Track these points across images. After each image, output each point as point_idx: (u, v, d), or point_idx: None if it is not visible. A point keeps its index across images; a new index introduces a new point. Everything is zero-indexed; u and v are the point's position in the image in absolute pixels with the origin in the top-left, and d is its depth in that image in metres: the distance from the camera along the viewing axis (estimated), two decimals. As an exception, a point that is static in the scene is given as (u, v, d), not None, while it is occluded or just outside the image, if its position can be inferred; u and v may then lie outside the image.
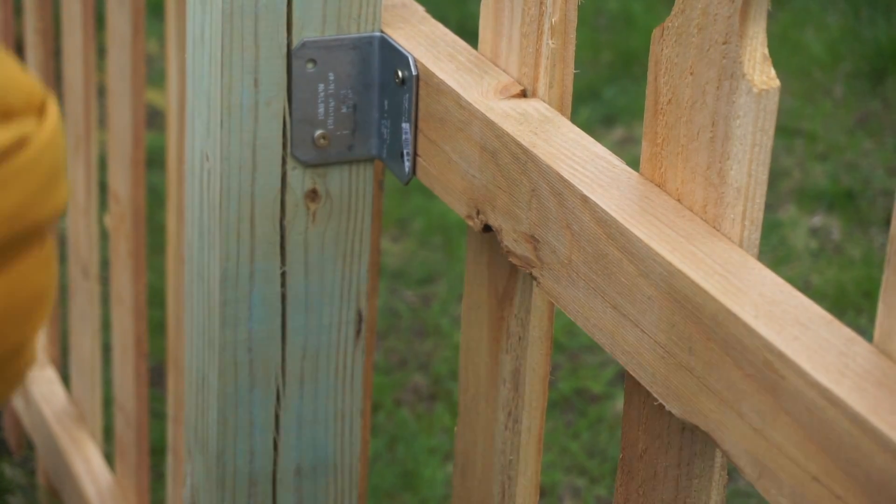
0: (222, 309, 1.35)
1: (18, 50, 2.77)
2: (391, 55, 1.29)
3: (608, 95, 3.93)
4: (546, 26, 1.18)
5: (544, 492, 2.70)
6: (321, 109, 1.31)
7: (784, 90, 3.79)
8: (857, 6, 4.26)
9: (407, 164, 1.29)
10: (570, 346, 3.04)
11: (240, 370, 1.37)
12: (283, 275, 1.36)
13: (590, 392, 2.94)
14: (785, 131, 3.74)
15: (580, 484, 2.72)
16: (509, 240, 1.18)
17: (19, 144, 0.93)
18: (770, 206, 3.48)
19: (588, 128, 1.06)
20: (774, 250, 3.34)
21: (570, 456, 2.78)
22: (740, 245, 1.02)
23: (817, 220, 3.48)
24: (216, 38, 1.27)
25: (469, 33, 1.32)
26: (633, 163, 1.11)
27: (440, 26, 1.33)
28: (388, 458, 2.76)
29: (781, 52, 4.02)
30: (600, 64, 4.08)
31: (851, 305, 3.15)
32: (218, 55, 1.27)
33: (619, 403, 2.88)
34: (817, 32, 4.17)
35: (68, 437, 2.51)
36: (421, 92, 1.27)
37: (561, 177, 1.10)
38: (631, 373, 1.06)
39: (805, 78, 3.99)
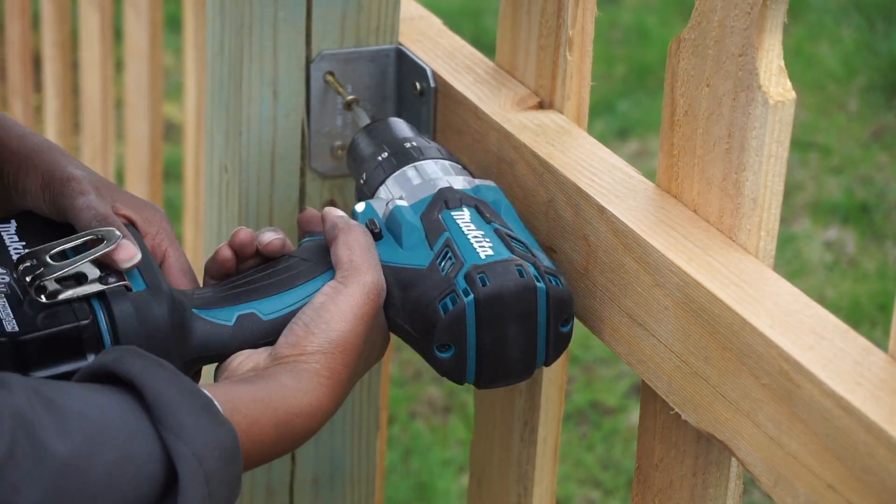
0: (240, 319, 1.36)
1: (36, 63, 2.78)
2: (409, 67, 1.30)
3: (622, 109, 3.94)
4: (563, 39, 1.19)
5: (559, 504, 2.71)
6: (339, 121, 1.32)
7: (798, 103, 3.78)
8: (872, 20, 4.26)
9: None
10: (584, 358, 3.05)
11: (258, 380, 1.38)
12: (300, 285, 1.37)
13: (604, 405, 2.94)
14: (799, 145, 3.75)
15: (595, 496, 2.73)
16: (526, 250, 1.19)
17: None
18: (784, 220, 3.48)
19: (602, 141, 1.08)
20: (789, 263, 3.34)
21: (584, 468, 2.78)
22: (756, 255, 1.03)
23: (832, 233, 3.48)
24: (235, 51, 1.28)
25: (484, 47, 1.33)
26: (648, 175, 1.12)
27: (458, 39, 1.34)
28: (403, 471, 2.76)
29: (796, 65, 4.03)
30: (614, 77, 4.09)
31: (866, 319, 3.15)
32: (237, 67, 1.28)
33: (633, 416, 2.88)
34: (832, 46, 4.18)
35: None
36: (439, 104, 1.28)
37: (578, 187, 1.11)
38: (647, 382, 1.07)
39: (819, 91, 4.00)
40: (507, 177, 1.20)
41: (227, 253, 1.10)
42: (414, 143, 1.18)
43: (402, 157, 1.17)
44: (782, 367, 0.92)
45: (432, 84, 1.28)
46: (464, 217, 1.09)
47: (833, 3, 4.37)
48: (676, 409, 1.03)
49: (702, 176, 1.06)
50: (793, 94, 1.00)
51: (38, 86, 2.82)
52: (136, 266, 1.05)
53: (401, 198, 1.13)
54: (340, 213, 1.11)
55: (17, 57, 2.69)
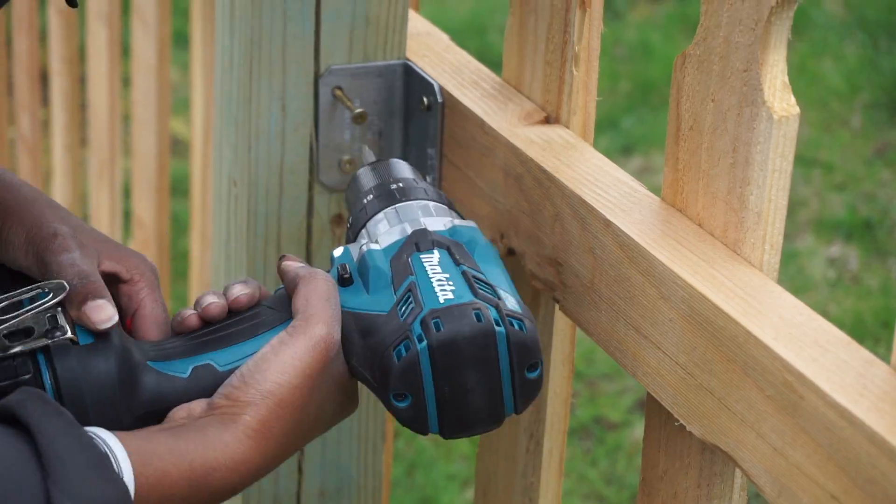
0: (248, 331, 1.37)
1: (44, 77, 2.80)
2: (416, 82, 1.31)
3: (626, 125, 3.95)
4: (569, 54, 1.20)
5: (562, 519, 2.71)
6: (347, 135, 1.33)
7: (802, 120, 3.78)
8: (875, 37, 4.28)
9: (434, 190, 1.31)
10: (588, 373, 3.06)
11: (265, 392, 1.38)
12: (308, 298, 1.38)
13: (608, 420, 2.95)
14: (802, 161, 3.76)
15: (598, 511, 2.73)
16: (532, 263, 1.20)
17: None
18: (787, 236, 3.49)
19: (606, 157, 1.09)
20: (792, 280, 3.35)
21: (588, 483, 2.79)
22: (760, 269, 1.04)
23: (835, 250, 3.49)
24: (244, 66, 1.29)
25: (489, 63, 1.34)
26: (653, 192, 1.13)
27: (464, 54, 1.35)
28: (407, 485, 2.77)
29: (799, 82, 4.04)
30: (618, 93, 4.10)
31: (869, 335, 3.16)
32: (246, 82, 1.29)
33: (637, 431, 2.89)
34: (835, 63, 4.19)
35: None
36: (446, 118, 1.29)
37: (584, 201, 1.12)
38: (652, 394, 1.08)
39: (823, 108, 4.01)
40: (513, 191, 1.21)
41: (193, 321, 1.08)
42: (400, 185, 1.15)
43: (385, 198, 1.14)
44: (786, 379, 0.93)
45: (439, 99, 1.29)
46: (432, 260, 1.06)
47: (837, 20, 4.38)
48: (681, 421, 1.04)
49: (707, 190, 1.07)
50: (797, 110, 1.01)
51: (45, 100, 2.84)
52: (112, 326, 1.03)
53: (376, 241, 1.11)
54: (300, 263, 1.10)
55: (25, 71, 2.71)
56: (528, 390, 1.03)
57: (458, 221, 1.12)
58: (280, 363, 1.02)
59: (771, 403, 0.95)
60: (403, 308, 1.03)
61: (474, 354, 1.01)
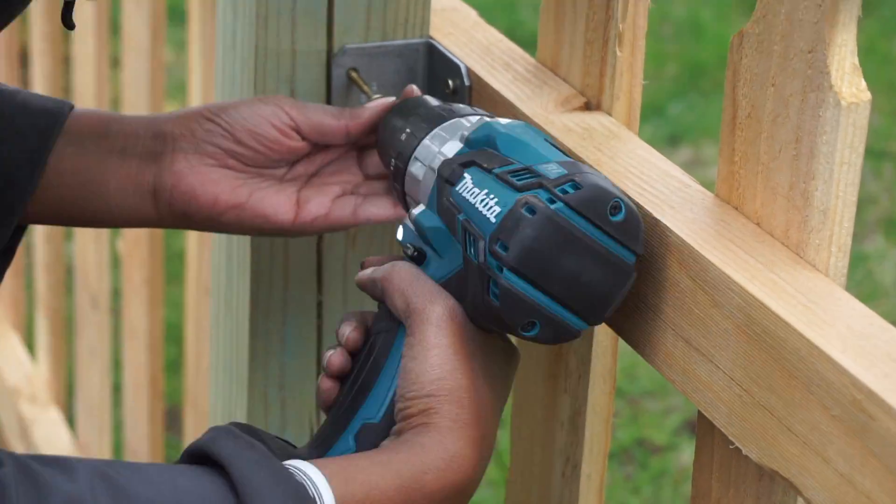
0: (252, 341, 1.37)
1: (23, 57, 2.81)
2: (441, 63, 1.32)
3: (674, 112, 3.95)
4: (613, 33, 1.20)
5: (601, 553, 2.71)
6: (363, 123, 1.33)
7: (871, 107, 3.75)
8: (953, 14, 4.27)
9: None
10: (630, 391, 3.06)
11: (270, 409, 1.39)
12: (319, 304, 1.38)
13: (652, 442, 2.95)
14: (872, 153, 3.75)
15: (641, 544, 2.74)
16: (570, 267, 1.20)
17: None
18: (855, 237, 3.48)
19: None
20: (860, 285, 3.34)
21: (629, 513, 2.79)
22: (826, 273, 1.04)
23: (908, 252, 3.48)
24: (249, 44, 1.30)
25: (520, 42, 1.34)
26: (704, 186, 1.13)
27: (494, 32, 1.36)
28: (427, 514, 2.77)
29: (868, 64, 4.03)
30: (665, 77, 4.10)
31: (946, 348, 3.15)
32: (251, 62, 1.30)
33: (683, 455, 2.89)
34: (908, 43, 4.18)
35: (73, 486, 2.53)
36: (473, 103, 1.30)
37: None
38: (703, 413, 1.08)
39: (894, 94, 4.00)
40: (549, 185, 1.21)
41: (327, 384, 1.15)
42: (408, 130, 1.20)
43: (405, 156, 1.19)
44: (855, 397, 0.93)
45: (466, 82, 1.29)
46: (467, 184, 1.11)
47: (910, -5, 4.37)
48: (736, 443, 1.04)
49: (766, 185, 1.07)
50: (868, 95, 1.01)
51: (25, 82, 2.85)
52: None
53: (419, 203, 1.16)
54: (370, 268, 1.16)
55: (3, 51, 2.72)
56: (629, 229, 1.08)
57: (468, 133, 1.15)
58: (424, 363, 1.08)
59: (838, 424, 0.95)
60: (471, 250, 1.08)
61: (554, 244, 1.06)
